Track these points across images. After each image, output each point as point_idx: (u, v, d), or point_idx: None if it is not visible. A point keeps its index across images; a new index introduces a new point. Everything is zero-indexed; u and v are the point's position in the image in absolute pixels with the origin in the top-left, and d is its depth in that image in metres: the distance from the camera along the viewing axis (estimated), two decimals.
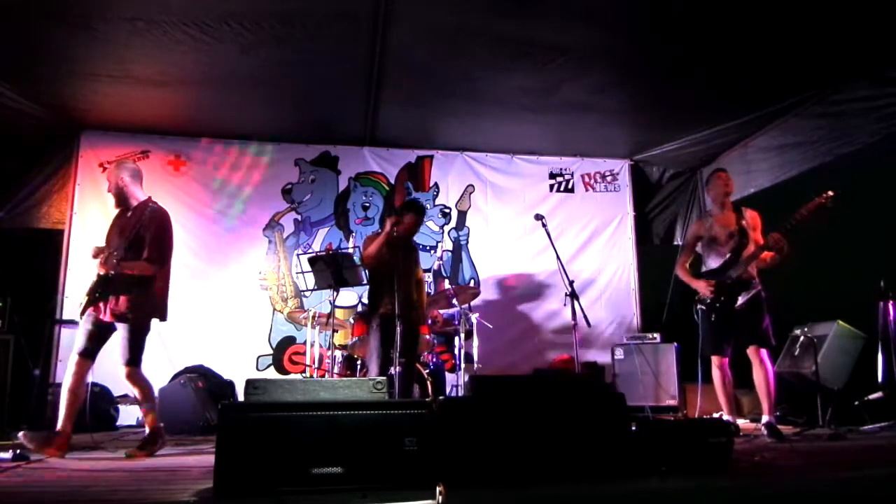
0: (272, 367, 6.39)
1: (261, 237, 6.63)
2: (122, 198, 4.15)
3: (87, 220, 6.13)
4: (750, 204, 4.85)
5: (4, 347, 5.19)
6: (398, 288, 4.46)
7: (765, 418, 4.34)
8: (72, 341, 4.15)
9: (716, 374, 4.56)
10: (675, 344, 6.01)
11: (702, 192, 7.27)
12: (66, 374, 3.93)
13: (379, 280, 4.78)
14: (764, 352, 4.41)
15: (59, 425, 3.84)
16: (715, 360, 4.56)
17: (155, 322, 4.10)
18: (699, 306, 4.61)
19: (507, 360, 6.50)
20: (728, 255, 4.50)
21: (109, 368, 4.23)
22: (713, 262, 4.62)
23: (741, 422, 5.02)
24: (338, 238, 6.75)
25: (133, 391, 4.04)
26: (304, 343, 6.02)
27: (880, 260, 5.24)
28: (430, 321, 5.67)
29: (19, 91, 5.38)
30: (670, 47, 4.84)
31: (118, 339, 3.96)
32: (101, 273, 3.87)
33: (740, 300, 4.44)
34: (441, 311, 5.95)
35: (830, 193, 4.20)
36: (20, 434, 3.74)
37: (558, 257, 5.05)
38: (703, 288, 4.55)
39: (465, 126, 6.49)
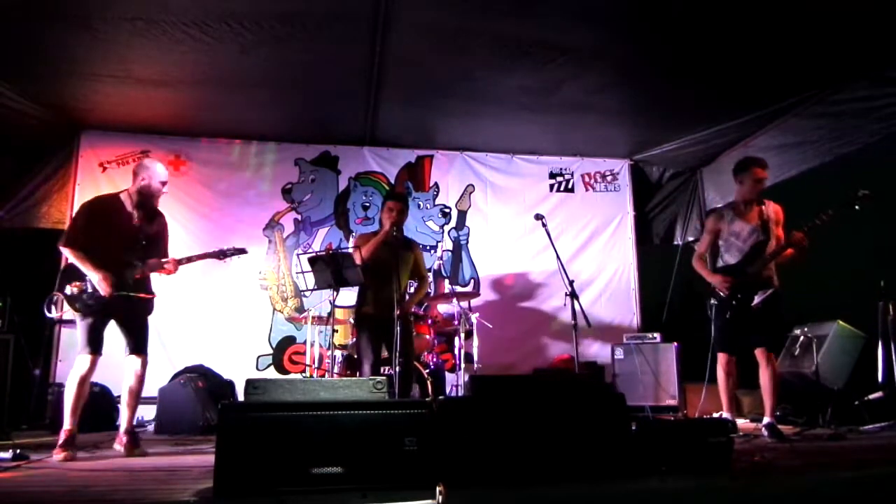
0: (272, 367, 6.39)
1: (261, 237, 6.62)
2: (150, 201, 4.24)
3: None
4: None
5: (4, 347, 5.19)
6: (396, 288, 4.46)
7: (766, 419, 4.33)
8: (72, 341, 4.15)
9: (721, 371, 4.51)
10: (675, 344, 6.00)
11: (702, 192, 7.28)
12: (74, 372, 3.90)
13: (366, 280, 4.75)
14: (772, 354, 4.37)
15: (69, 425, 3.84)
16: (723, 357, 4.50)
17: (155, 322, 4.17)
18: (713, 301, 4.50)
19: (507, 359, 6.49)
20: (747, 251, 4.41)
21: (109, 369, 4.24)
22: (731, 258, 4.50)
23: (741, 422, 5.02)
24: (338, 238, 6.74)
25: (136, 384, 4.09)
26: (304, 343, 6.03)
27: (880, 260, 5.24)
28: (429, 321, 5.67)
29: (19, 91, 5.38)
30: (670, 47, 4.83)
31: (138, 330, 4.09)
32: (139, 277, 4.04)
33: (756, 299, 4.32)
34: (441, 311, 5.95)
35: (866, 192, 4.04)
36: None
37: (558, 257, 5.05)
38: (719, 283, 4.44)
39: (464, 126, 6.49)
